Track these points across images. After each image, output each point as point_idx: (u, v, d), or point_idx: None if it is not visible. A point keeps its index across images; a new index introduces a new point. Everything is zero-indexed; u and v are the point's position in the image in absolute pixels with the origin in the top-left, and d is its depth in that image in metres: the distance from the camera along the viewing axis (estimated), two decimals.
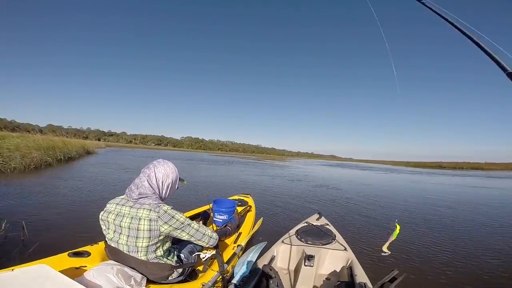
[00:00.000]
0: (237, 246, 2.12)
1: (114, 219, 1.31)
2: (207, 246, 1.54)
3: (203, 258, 1.81)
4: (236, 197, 4.03)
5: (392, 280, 1.23)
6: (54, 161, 9.70)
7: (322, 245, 2.12)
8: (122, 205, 1.34)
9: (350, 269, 1.82)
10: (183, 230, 1.40)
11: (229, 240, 2.34)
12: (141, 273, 1.34)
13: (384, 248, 1.49)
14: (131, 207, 1.30)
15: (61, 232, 3.03)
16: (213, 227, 2.29)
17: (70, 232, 3.05)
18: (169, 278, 1.45)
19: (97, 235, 1.70)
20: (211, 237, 1.53)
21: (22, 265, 1.23)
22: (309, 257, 1.90)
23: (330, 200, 6.78)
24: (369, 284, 1.51)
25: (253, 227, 2.84)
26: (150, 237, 1.29)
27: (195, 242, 1.49)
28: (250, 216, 3.09)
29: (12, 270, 1.01)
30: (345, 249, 2.09)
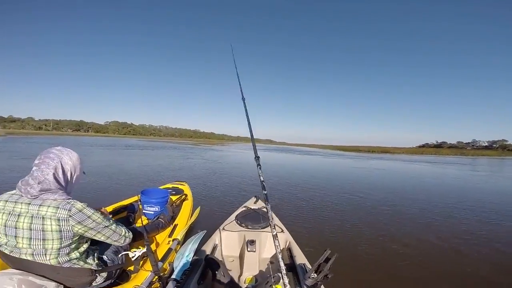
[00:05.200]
0: (173, 240, 1.93)
1: (6, 220, 1.09)
2: (121, 245, 1.40)
3: (133, 257, 1.58)
4: (169, 185, 3.69)
5: (327, 260, 1.29)
6: None
7: (262, 228, 2.12)
8: (15, 202, 1.11)
9: (289, 250, 1.88)
10: (99, 232, 1.22)
11: (163, 234, 2.13)
12: (54, 281, 1.13)
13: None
14: (29, 204, 1.10)
15: None
16: (142, 220, 2.00)
17: None
18: (93, 284, 1.26)
19: None
20: (126, 237, 1.38)
21: None
22: (251, 242, 1.89)
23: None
24: (308, 264, 1.57)
25: (191, 217, 2.65)
26: (61, 238, 1.11)
27: (111, 243, 1.33)
28: (187, 206, 2.84)
29: None
30: (282, 231, 2.14)
